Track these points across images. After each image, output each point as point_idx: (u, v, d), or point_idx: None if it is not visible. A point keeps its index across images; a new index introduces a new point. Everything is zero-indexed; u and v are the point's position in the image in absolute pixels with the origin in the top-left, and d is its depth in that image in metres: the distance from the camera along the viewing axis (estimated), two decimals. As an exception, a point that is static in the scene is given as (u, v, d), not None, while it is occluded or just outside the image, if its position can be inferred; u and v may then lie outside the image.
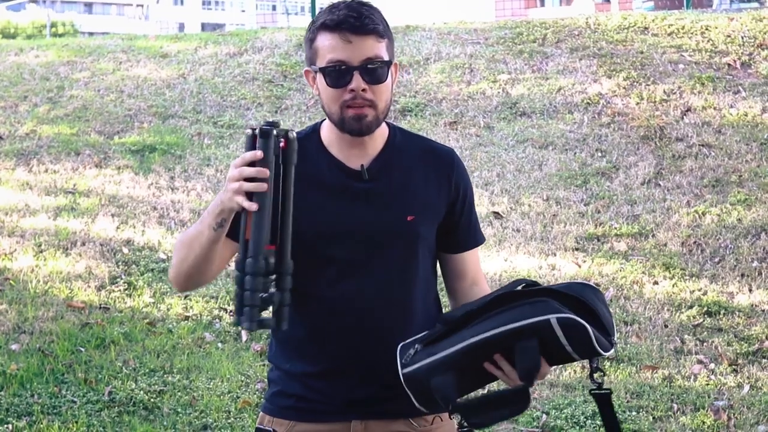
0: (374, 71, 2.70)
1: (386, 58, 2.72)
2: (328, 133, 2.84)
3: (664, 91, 11.05)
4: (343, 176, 2.78)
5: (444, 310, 2.95)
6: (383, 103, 2.74)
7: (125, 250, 8.39)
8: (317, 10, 16.96)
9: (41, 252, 8.26)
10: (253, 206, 2.39)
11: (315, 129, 2.89)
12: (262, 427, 2.87)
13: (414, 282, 2.85)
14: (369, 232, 2.76)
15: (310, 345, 2.81)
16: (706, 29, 12.53)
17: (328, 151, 2.82)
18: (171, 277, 2.82)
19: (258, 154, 2.41)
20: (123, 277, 7.94)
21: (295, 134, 2.50)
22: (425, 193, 2.84)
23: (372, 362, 2.78)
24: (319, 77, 2.73)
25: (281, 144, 2.47)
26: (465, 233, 2.96)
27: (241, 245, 2.43)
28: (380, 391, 2.80)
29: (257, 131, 2.43)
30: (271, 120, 2.48)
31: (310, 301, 2.77)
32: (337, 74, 2.69)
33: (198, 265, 2.70)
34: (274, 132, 2.44)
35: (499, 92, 11.63)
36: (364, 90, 2.68)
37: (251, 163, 2.42)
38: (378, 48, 2.70)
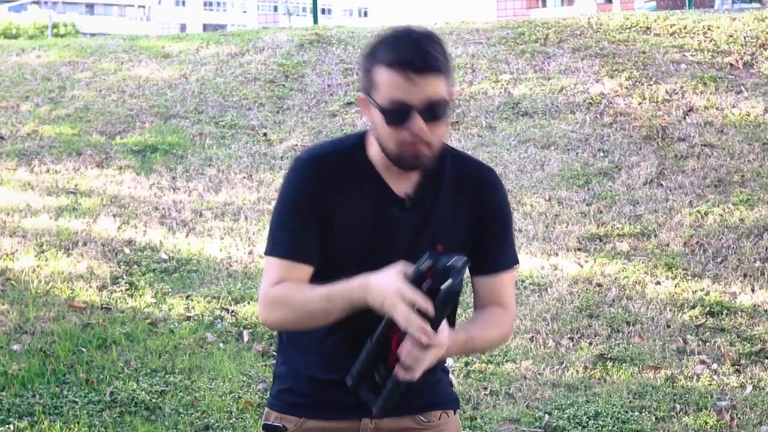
0: (435, 111, 2.61)
1: (445, 95, 2.62)
2: (377, 152, 2.75)
3: (667, 91, 11.04)
4: (387, 202, 2.74)
5: None
6: (438, 140, 2.67)
7: (127, 251, 8.38)
8: (318, 11, 16.96)
9: (43, 252, 8.26)
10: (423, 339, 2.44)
11: (360, 141, 2.81)
12: (269, 423, 2.85)
13: None
14: (398, 259, 2.73)
15: (319, 345, 2.79)
16: (709, 29, 12.52)
17: (378, 172, 2.76)
18: (268, 323, 2.84)
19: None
20: (124, 277, 7.93)
21: None
22: (455, 223, 2.79)
23: None
24: (376, 112, 2.65)
25: None
26: (493, 256, 2.87)
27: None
28: None
29: None
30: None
31: None
32: (397, 115, 2.60)
33: (307, 327, 2.74)
34: None
35: (501, 92, 11.62)
36: (422, 130, 2.62)
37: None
38: (440, 86, 2.60)
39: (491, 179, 2.89)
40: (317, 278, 2.71)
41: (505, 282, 2.89)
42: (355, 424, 2.80)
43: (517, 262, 2.94)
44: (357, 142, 2.80)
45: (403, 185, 2.75)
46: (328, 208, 2.72)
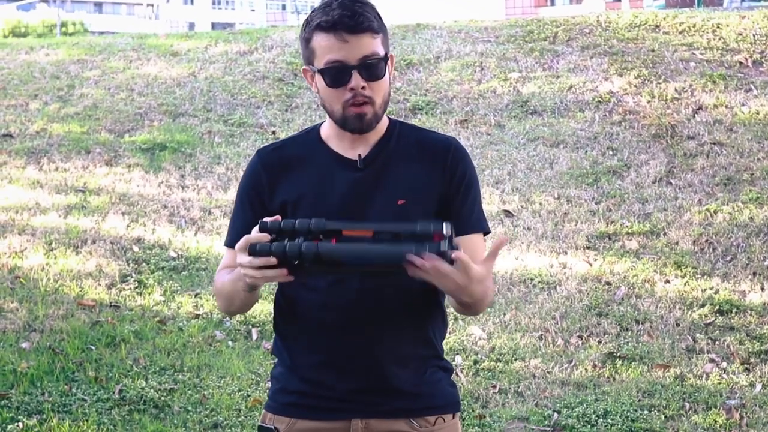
0: (372, 68, 2.72)
1: (382, 53, 2.74)
2: (327, 128, 2.87)
3: (676, 90, 11.02)
4: (339, 166, 2.80)
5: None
6: (381, 99, 2.76)
7: (135, 249, 8.38)
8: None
9: (52, 250, 8.26)
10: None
11: (315, 128, 2.93)
12: (264, 424, 2.87)
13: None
14: (359, 219, 2.72)
15: (307, 335, 2.82)
16: (718, 27, 12.50)
17: (327, 144, 2.85)
18: (222, 311, 2.97)
19: None
20: (133, 275, 7.93)
21: None
22: (416, 180, 2.81)
23: (366, 354, 2.77)
24: (318, 78, 2.75)
25: None
26: (463, 217, 2.81)
27: None
28: (380, 386, 2.79)
29: None
30: None
31: (305, 290, 2.79)
32: (336, 74, 2.71)
33: (244, 306, 2.85)
34: None
35: (509, 90, 11.61)
36: (363, 88, 2.71)
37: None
38: (374, 45, 2.72)
39: (457, 146, 2.92)
40: None
41: (478, 244, 2.86)
42: (345, 424, 2.79)
43: (488, 230, 2.93)
44: (311, 129, 2.94)
45: (355, 150, 2.82)
46: (280, 195, 2.82)
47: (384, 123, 2.87)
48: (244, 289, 2.64)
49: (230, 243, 2.84)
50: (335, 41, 2.69)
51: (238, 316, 7.27)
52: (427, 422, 2.82)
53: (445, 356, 2.96)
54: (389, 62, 2.79)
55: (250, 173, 2.89)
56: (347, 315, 2.74)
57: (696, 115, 10.54)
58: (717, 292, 7.51)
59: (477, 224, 2.87)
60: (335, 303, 2.76)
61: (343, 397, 2.78)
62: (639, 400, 6.10)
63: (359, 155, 2.81)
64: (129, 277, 7.90)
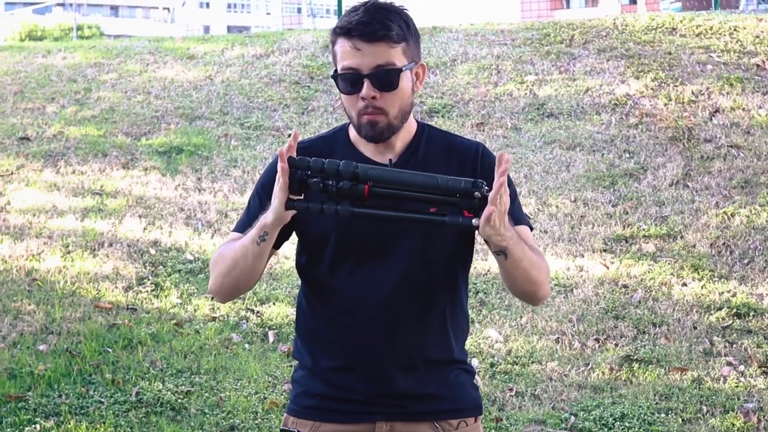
0: (384, 79, 2.68)
1: (399, 64, 2.69)
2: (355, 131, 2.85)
3: (693, 92, 10.99)
4: None
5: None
6: (395, 110, 2.72)
7: (152, 251, 8.40)
8: (343, 12, 17.01)
9: (69, 253, 8.28)
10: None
11: (343, 128, 2.90)
12: (286, 428, 2.86)
13: (432, 275, 2.79)
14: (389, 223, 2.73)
15: (330, 338, 2.81)
16: (735, 30, 12.46)
17: (356, 147, 2.82)
18: (212, 290, 2.87)
19: None
20: (150, 278, 7.95)
21: None
22: None
23: (389, 357, 2.77)
24: (337, 82, 2.75)
25: None
26: (509, 211, 2.66)
27: None
28: (404, 390, 2.78)
29: None
30: None
31: (329, 293, 2.78)
32: (348, 81, 2.70)
33: (241, 277, 2.75)
34: None
35: (526, 93, 11.59)
36: (374, 98, 2.68)
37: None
38: (389, 54, 2.68)
39: (485, 150, 2.89)
40: (317, 256, 2.78)
41: (527, 233, 2.84)
42: (370, 427, 2.79)
43: (531, 226, 2.91)
44: (339, 129, 2.91)
45: (385, 155, 2.80)
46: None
47: (412, 126, 2.84)
48: (256, 240, 2.63)
49: (241, 229, 2.82)
50: (349, 48, 2.67)
51: (254, 318, 7.28)
52: (450, 425, 2.83)
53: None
54: (419, 69, 2.76)
55: (275, 166, 2.81)
56: (372, 318, 2.74)
57: (713, 117, 10.51)
58: (734, 295, 7.49)
59: (519, 218, 2.84)
60: (361, 305, 2.75)
61: (366, 400, 2.77)
62: (656, 404, 6.09)
63: (390, 159, 2.79)
64: (146, 280, 7.91)
